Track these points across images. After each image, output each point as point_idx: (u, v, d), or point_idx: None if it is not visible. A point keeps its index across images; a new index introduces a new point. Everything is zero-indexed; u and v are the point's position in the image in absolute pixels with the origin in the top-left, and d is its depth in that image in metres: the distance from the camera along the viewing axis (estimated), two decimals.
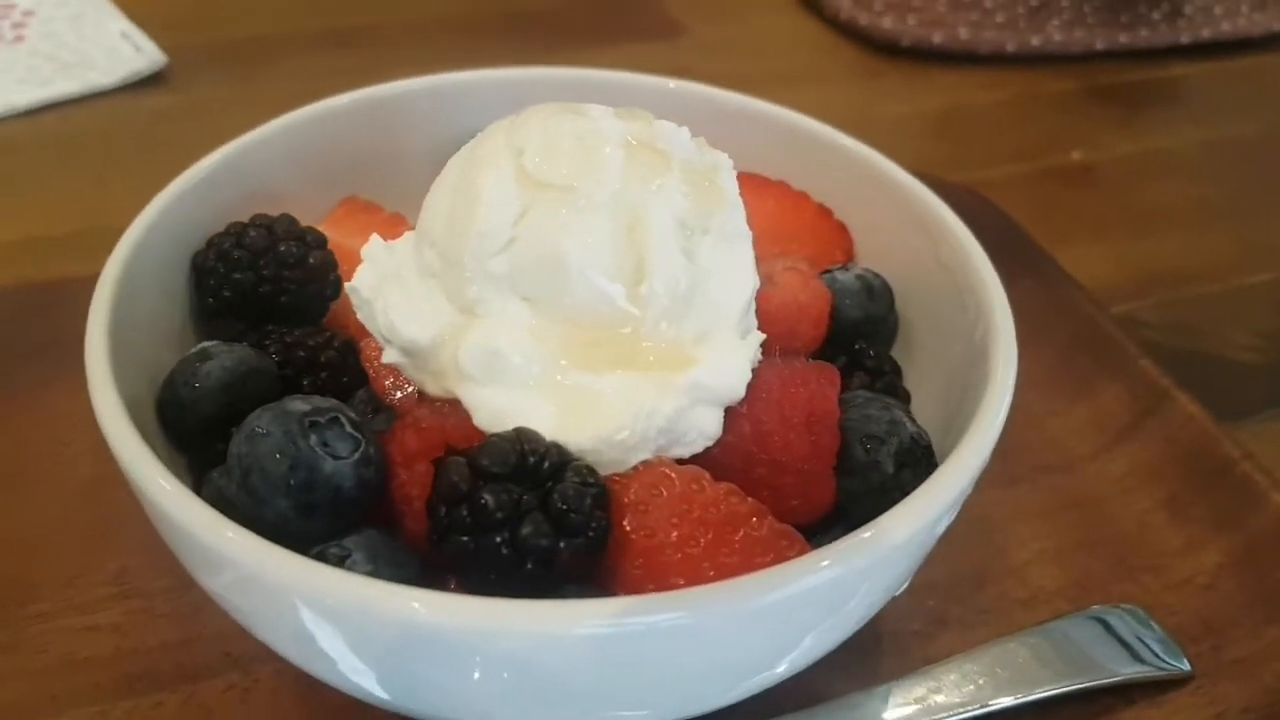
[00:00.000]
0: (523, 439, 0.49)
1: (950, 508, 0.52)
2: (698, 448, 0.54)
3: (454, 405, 0.54)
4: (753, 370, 0.55)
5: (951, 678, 0.63)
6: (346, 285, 0.59)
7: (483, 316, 0.54)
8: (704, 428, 0.53)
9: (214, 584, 0.51)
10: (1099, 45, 1.41)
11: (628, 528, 0.50)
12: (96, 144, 1.12)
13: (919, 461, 0.57)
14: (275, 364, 0.61)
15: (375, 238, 0.60)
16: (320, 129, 0.74)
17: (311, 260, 0.66)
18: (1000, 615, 0.69)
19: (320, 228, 0.69)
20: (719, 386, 0.53)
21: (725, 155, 0.58)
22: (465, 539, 0.48)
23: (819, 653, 0.54)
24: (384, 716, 0.57)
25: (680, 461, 0.53)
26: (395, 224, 0.72)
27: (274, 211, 0.68)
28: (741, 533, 0.50)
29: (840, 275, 0.68)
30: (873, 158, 0.72)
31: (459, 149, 0.59)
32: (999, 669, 0.63)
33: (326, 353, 0.62)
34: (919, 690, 0.62)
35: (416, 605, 0.44)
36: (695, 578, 0.48)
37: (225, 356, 0.59)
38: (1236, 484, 0.76)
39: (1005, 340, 0.59)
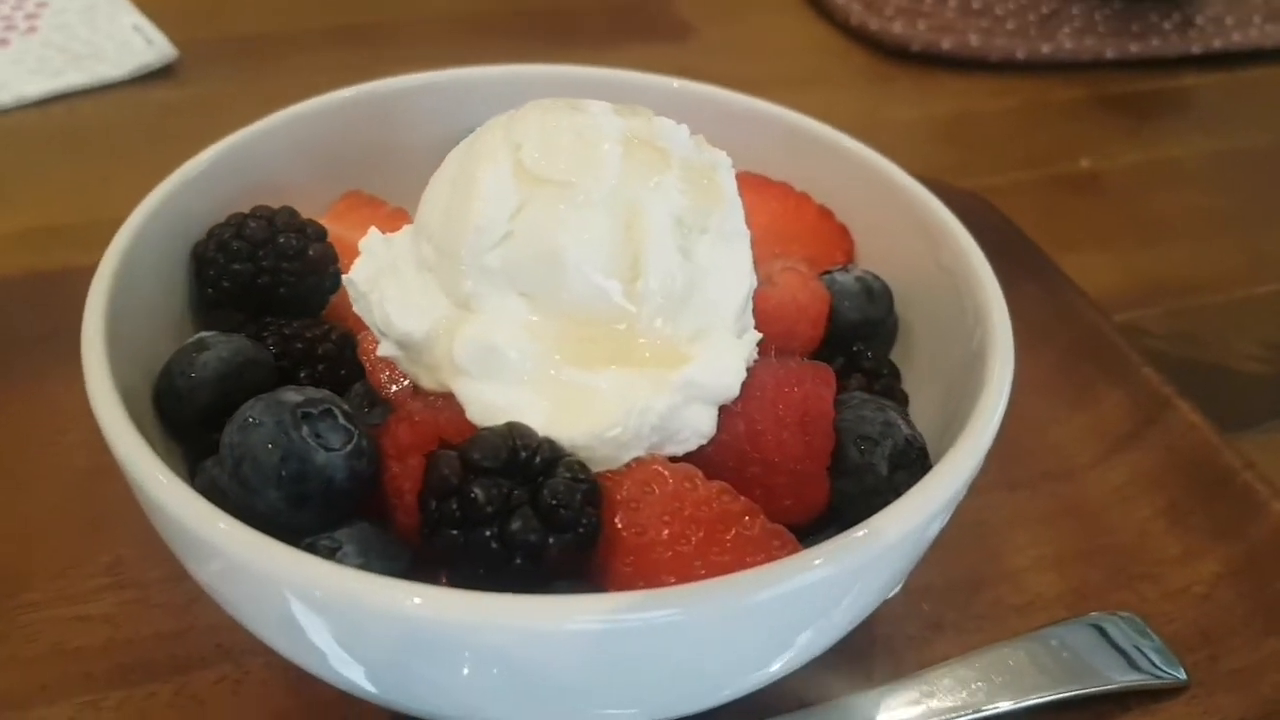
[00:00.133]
0: (515, 434, 0.49)
1: (944, 509, 0.52)
2: (691, 446, 0.54)
3: (448, 399, 0.54)
4: (748, 369, 0.55)
5: (946, 682, 0.63)
6: (344, 278, 0.59)
7: (478, 311, 0.53)
8: (698, 426, 0.53)
9: (205, 574, 0.51)
10: (1110, 54, 1.40)
11: (619, 525, 0.50)
12: (104, 136, 1.12)
13: (913, 463, 0.56)
14: (272, 355, 0.61)
15: (373, 230, 0.59)
16: (324, 122, 0.74)
17: (311, 253, 0.66)
18: (996, 621, 0.68)
19: (321, 221, 0.69)
20: (713, 385, 0.53)
21: (724, 154, 0.58)
22: (455, 533, 0.48)
23: (811, 653, 0.54)
24: (374, 710, 0.58)
25: (673, 459, 0.53)
26: (397, 219, 0.72)
27: (276, 204, 0.68)
28: (733, 532, 0.50)
29: (840, 277, 0.68)
30: (875, 160, 0.72)
31: None
32: (994, 674, 0.63)
33: (324, 345, 0.62)
34: (912, 694, 0.62)
35: (406, 599, 0.44)
36: (686, 576, 0.48)
37: (222, 347, 0.59)
38: (1237, 494, 0.76)
39: (1002, 344, 0.58)
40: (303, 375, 0.61)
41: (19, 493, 0.71)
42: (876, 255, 0.73)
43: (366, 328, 0.59)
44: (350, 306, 0.59)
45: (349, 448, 0.51)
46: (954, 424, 0.57)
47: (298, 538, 0.49)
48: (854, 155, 0.73)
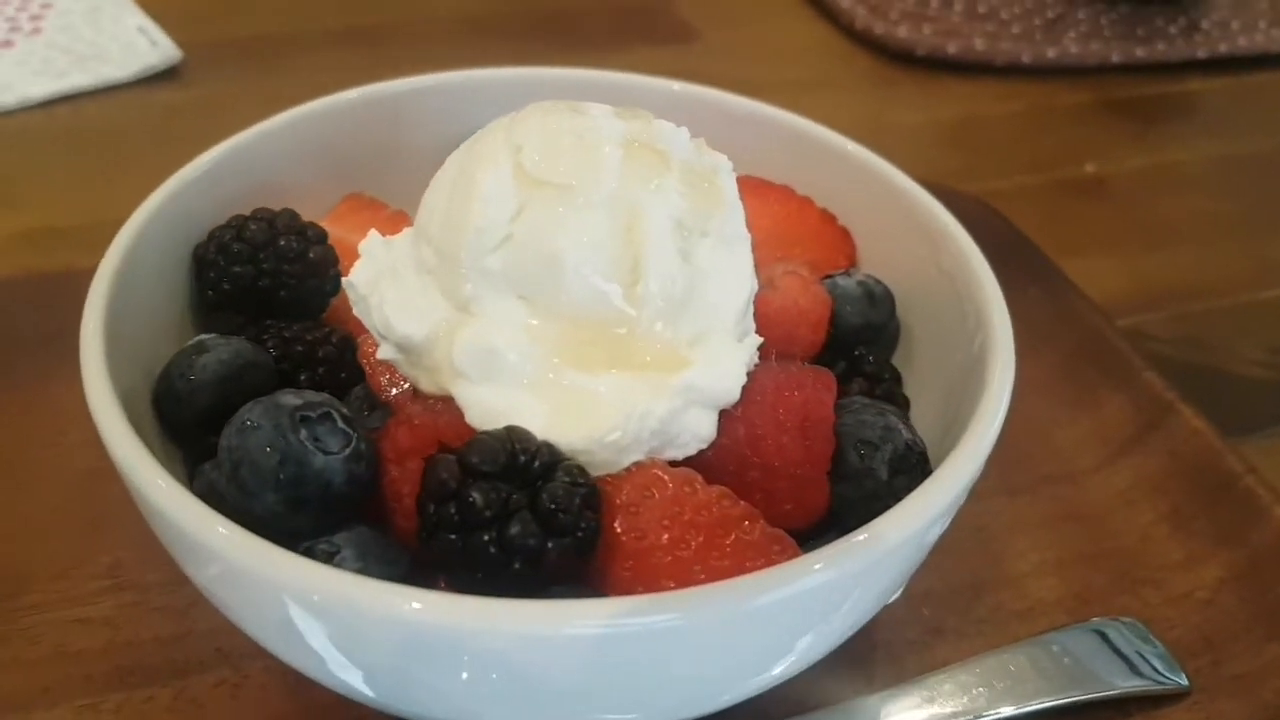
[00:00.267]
0: (513, 437, 0.49)
1: (944, 514, 0.51)
2: (691, 450, 0.53)
3: (447, 402, 0.54)
4: (749, 374, 0.55)
5: (947, 688, 0.62)
6: (343, 280, 0.59)
7: (478, 314, 0.53)
8: (698, 430, 0.53)
9: (203, 578, 0.51)
10: (1115, 58, 1.40)
11: (618, 529, 0.50)
12: (108, 137, 1.12)
13: (913, 468, 0.56)
14: (272, 358, 0.61)
15: (373, 233, 0.59)
16: (326, 124, 0.74)
17: (311, 255, 0.66)
18: (997, 626, 0.68)
19: (322, 223, 0.69)
20: (713, 389, 0.53)
21: (724, 157, 0.58)
22: (453, 537, 0.48)
23: (811, 658, 0.54)
24: (373, 714, 0.57)
25: (673, 464, 0.53)
26: (398, 221, 0.72)
27: (278, 205, 0.68)
28: (733, 536, 0.50)
29: (842, 281, 0.68)
30: (877, 164, 0.72)
31: None
32: (995, 680, 0.63)
33: (324, 348, 0.62)
34: (913, 699, 0.62)
35: (405, 604, 0.44)
36: (685, 580, 0.48)
37: (222, 349, 0.59)
38: (1239, 499, 0.76)
39: (1003, 348, 0.58)
40: (303, 378, 0.61)
41: (20, 493, 0.72)
42: (879, 259, 0.73)
43: (366, 330, 0.59)
44: (351, 309, 0.59)
45: (347, 451, 0.51)
46: (955, 428, 0.57)
47: (296, 541, 0.49)
48: (856, 159, 0.73)
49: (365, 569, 0.49)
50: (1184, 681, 0.65)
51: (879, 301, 0.68)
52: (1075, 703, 0.62)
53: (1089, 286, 0.95)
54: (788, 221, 0.72)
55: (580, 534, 0.48)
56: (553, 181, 0.53)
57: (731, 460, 0.54)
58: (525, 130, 0.55)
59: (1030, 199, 1.14)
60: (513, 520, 0.48)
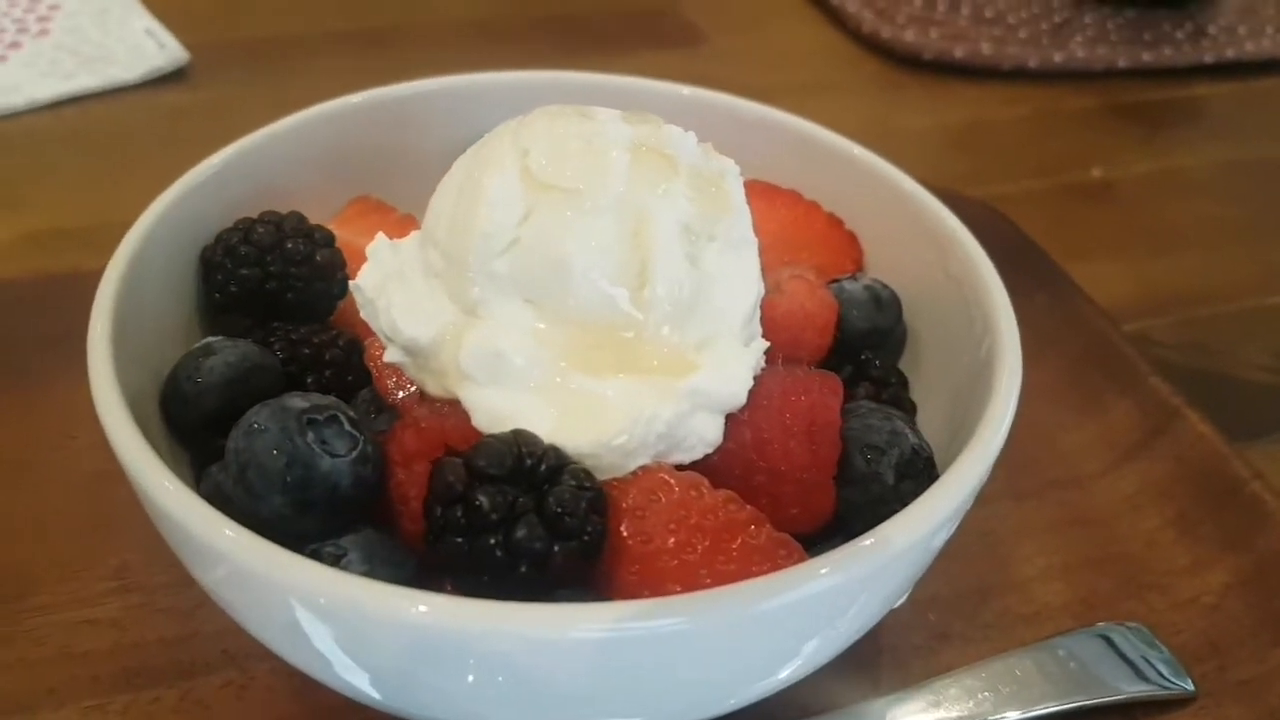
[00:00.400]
0: (520, 441, 0.49)
1: (951, 519, 0.51)
2: (698, 454, 0.53)
3: (454, 406, 0.54)
4: (755, 378, 0.55)
5: (953, 692, 0.62)
6: (351, 283, 0.59)
7: (485, 317, 0.53)
8: (704, 434, 0.53)
9: (209, 580, 0.51)
10: (1122, 63, 1.40)
11: (624, 533, 0.50)
12: (115, 139, 1.13)
13: (920, 473, 0.56)
14: (279, 361, 0.61)
15: (381, 236, 0.59)
16: (334, 127, 0.75)
17: (319, 258, 0.66)
18: (1003, 631, 0.68)
19: (330, 226, 0.69)
20: (720, 393, 0.53)
21: (732, 161, 0.58)
22: (459, 540, 0.48)
23: (817, 662, 0.54)
24: (379, 717, 0.57)
25: (680, 468, 0.53)
26: (405, 225, 0.72)
27: (285, 209, 0.68)
28: (739, 540, 0.50)
29: (848, 285, 0.68)
30: (884, 169, 0.72)
31: None
32: (1001, 684, 0.63)
33: (331, 351, 0.62)
34: (919, 704, 0.62)
35: (411, 606, 0.44)
36: (691, 585, 0.48)
37: (229, 352, 0.59)
38: (1246, 504, 0.76)
39: (1010, 352, 0.58)
40: (310, 381, 0.61)
41: (27, 495, 0.72)
42: (886, 264, 0.73)
43: (374, 333, 0.59)
44: (358, 312, 0.60)
45: (354, 454, 0.51)
46: (961, 433, 0.57)
47: (302, 544, 0.49)
48: (863, 163, 0.73)
49: (371, 572, 0.49)
50: (1190, 687, 0.65)
51: (886, 306, 0.68)
52: (1081, 708, 0.62)
53: (1095, 291, 0.95)
54: (795, 226, 0.72)
55: (586, 537, 0.49)
56: (560, 185, 0.53)
57: (738, 464, 0.54)
58: (532, 134, 0.55)
59: (1037, 204, 1.14)
60: (519, 523, 0.48)
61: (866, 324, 0.67)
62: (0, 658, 0.62)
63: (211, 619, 0.64)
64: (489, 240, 0.53)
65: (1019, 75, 1.38)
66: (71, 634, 0.64)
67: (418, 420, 0.54)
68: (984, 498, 0.55)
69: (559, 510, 0.48)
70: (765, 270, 0.59)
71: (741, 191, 0.58)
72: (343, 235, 0.69)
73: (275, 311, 0.65)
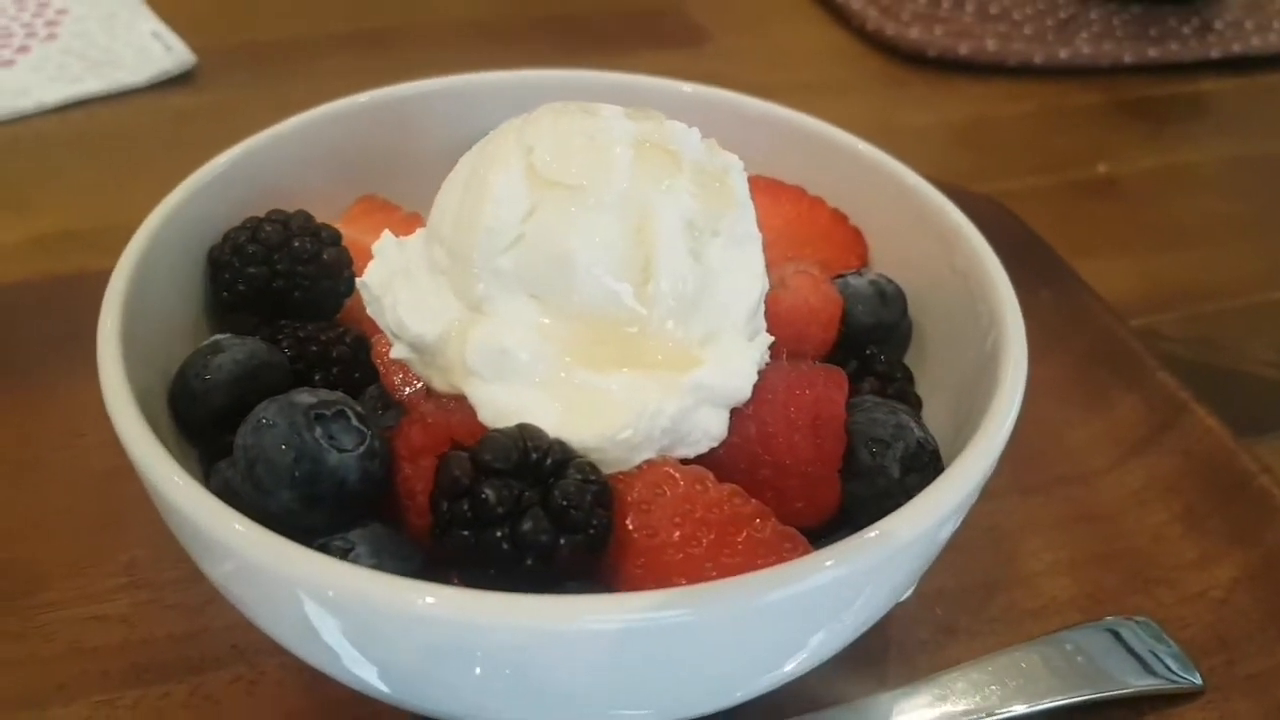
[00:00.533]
0: (525, 435, 0.50)
1: (956, 512, 0.51)
2: (702, 448, 0.54)
3: (460, 401, 0.54)
4: (760, 372, 0.55)
5: (959, 686, 0.62)
6: (357, 280, 0.59)
7: (490, 313, 0.54)
8: (709, 428, 0.53)
9: (219, 574, 0.51)
10: (1128, 59, 1.40)
11: (630, 526, 0.50)
12: (122, 142, 1.13)
13: (925, 466, 0.56)
14: (287, 358, 0.61)
15: (387, 233, 0.60)
16: (339, 127, 0.75)
17: (325, 256, 0.66)
18: (1010, 625, 0.68)
19: (337, 225, 0.70)
20: (724, 387, 0.53)
21: (735, 157, 0.58)
22: (466, 533, 0.48)
23: (823, 656, 0.54)
24: (387, 710, 0.58)
25: (685, 462, 0.53)
26: (411, 223, 0.72)
27: (292, 208, 0.68)
28: (744, 534, 0.50)
29: (853, 280, 0.68)
30: (889, 164, 0.72)
31: None
32: (1008, 678, 0.63)
33: (338, 348, 0.62)
34: (926, 698, 0.62)
35: (419, 599, 0.44)
36: (697, 578, 0.48)
37: (237, 349, 0.59)
38: (1253, 498, 0.76)
39: (1016, 346, 0.58)
40: (317, 378, 0.61)
41: (37, 493, 0.72)
42: (891, 259, 0.73)
43: (380, 331, 0.59)
44: (365, 310, 0.60)
45: (361, 449, 0.51)
46: (967, 427, 0.57)
47: (311, 538, 0.49)
48: (867, 159, 0.73)
49: (379, 565, 0.49)
50: (1198, 681, 0.65)
51: (891, 300, 0.68)
52: (1088, 701, 0.62)
53: (1101, 287, 0.95)
54: (799, 221, 0.73)
55: (592, 531, 0.49)
56: (564, 182, 0.53)
57: (743, 458, 0.54)
58: (537, 131, 0.55)
59: (1042, 200, 1.14)
60: (525, 517, 0.48)
61: (871, 319, 0.67)
62: (10, 654, 0.63)
63: (220, 614, 0.64)
64: (494, 237, 0.53)
65: (1024, 72, 1.38)
66: (81, 630, 0.64)
67: (424, 415, 0.54)
68: (990, 493, 0.55)
69: (565, 503, 0.48)
70: (770, 266, 0.59)
71: (745, 187, 0.58)
72: (349, 234, 0.69)
73: (283, 310, 0.66)
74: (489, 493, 0.48)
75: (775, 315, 0.59)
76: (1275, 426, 0.87)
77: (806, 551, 0.50)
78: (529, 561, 0.48)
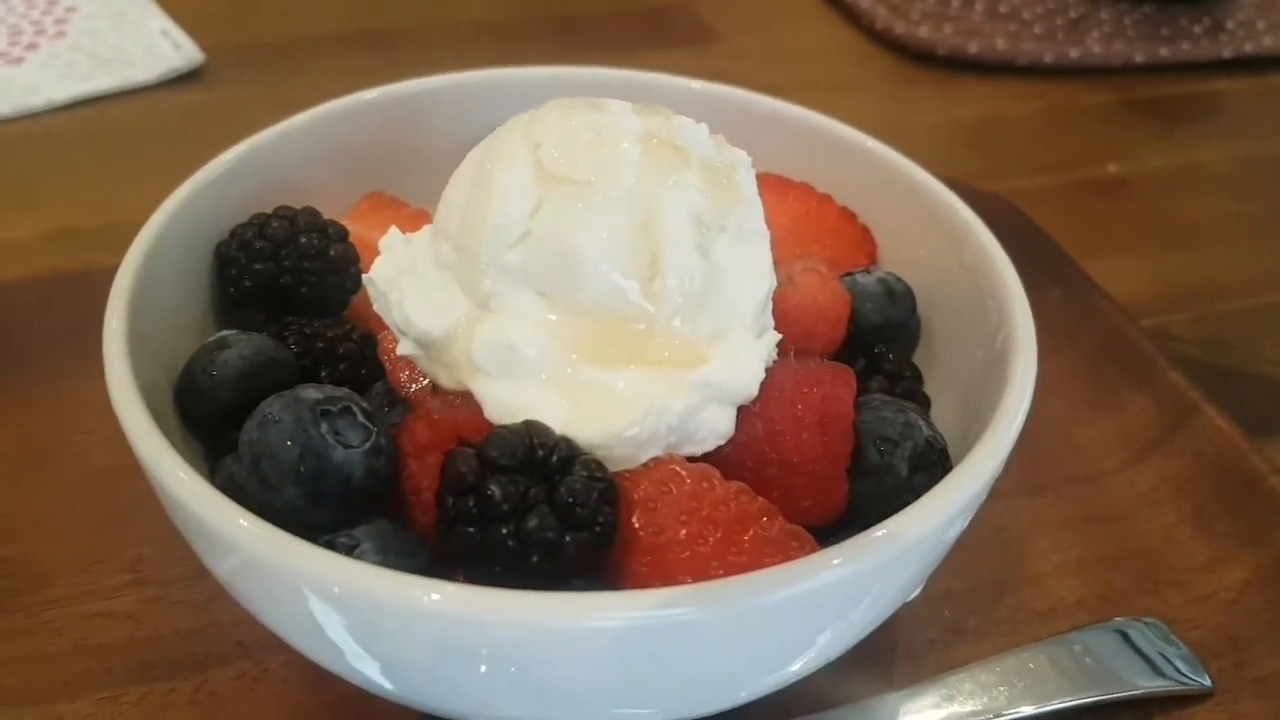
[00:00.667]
0: (531, 432, 0.49)
1: (964, 511, 0.51)
2: (709, 446, 0.53)
3: (466, 398, 0.54)
4: (767, 370, 0.55)
5: (967, 687, 0.62)
6: (364, 277, 0.59)
7: (497, 310, 0.53)
8: (716, 426, 0.53)
9: (223, 570, 0.51)
10: (1139, 58, 1.39)
11: (636, 524, 0.50)
12: (130, 139, 1.13)
13: (934, 465, 0.56)
14: (293, 354, 0.61)
15: (393, 229, 0.60)
16: (347, 123, 0.75)
17: (332, 253, 0.66)
18: (1019, 626, 0.68)
19: (344, 221, 0.69)
20: (731, 385, 0.53)
21: (743, 153, 0.58)
22: (471, 530, 0.48)
23: (830, 655, 0.53)
24: (392, 708, 0.57)
25: (691, 459, 0.53)
26: (419, 219, 0.72)
27: (300, 204, 0.68)
28: (751, 532, 0.50)
29: (862, 278, 0.68)
30: (898, 161, 0.72)
31: None
32: (1016, 679, 0.63)
33: (345, 345, 0.62)
34: (933, 698, 0.61)
35: (424, 595, 0.44)
36: (703, 576, 0.48)
37: (243, 345, 0.59)
38: (1264, 499, 0.75)
39: (1025, 344, 0.58)
40: (324, 374, 0.61)
41: (43, 489, 0.72)
42: (900, 257, 0.72)
43: (387, 327, 0.59)
44: (372, 306, 0.60)
45: (367, 445, 0.51)
46: (976, 426, 0.56)
47: (316, 535, 0.49)
48: (876, 156, 0.73)
49: (385, 562, 0.49)
50: (1207, 682, 0.64)
51: (899, 299, 0.68)
52: (1096, 702, 0.62)
53: (1111, 286, 0.95)
54: (807, 219, 0.72)
55: (598, 528, 0.49)
56: (571, 178, 0.53)
57: (750, 456, 0.54)
58: (544, 127, 0.55)
59: (1052, 199, 1.14)
60: (531, 514, 0.48)
61: (880, 317, 0.67)
62: (16, 650, 0.63)
63: (226, 611, 0.64)
64: (501, 233, 0.53)
65: (1034, 71, 1.38)
66: (86, 626, 0.64)
67: (430, 412, 0.54)
68: (999, 493, 0.55)
69: (570, 501, 0.48)
70: (778, 263, 0.59)
71: (753, 183, 0.58)
72: (356, 230, 0.69)
73: (289, 306, 0.66)
74: (495, 489, 0.48)
75: (783, 313, 0.59)
76: None
77: (813, 550, 0.50)
78: (534, 558, 0.48)
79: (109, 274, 0.59)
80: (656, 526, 0.50)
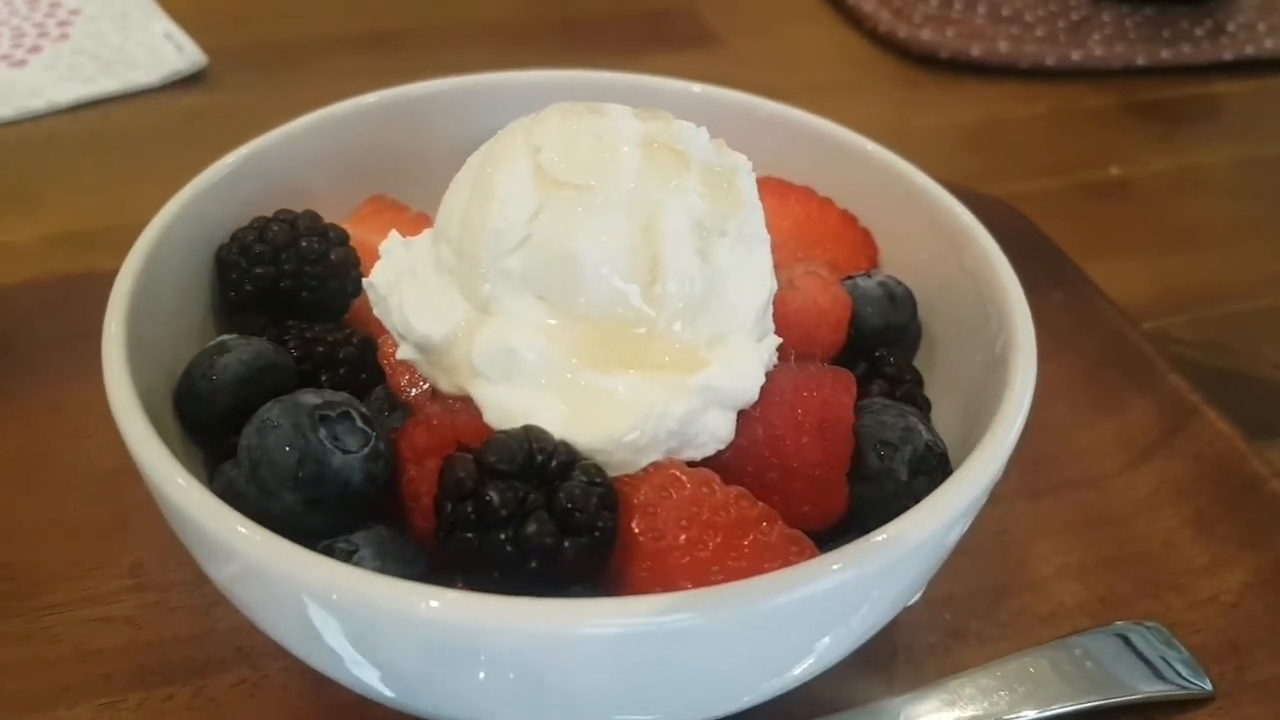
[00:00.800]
0: (531, 437, 0.49)
1: (964, 515, 0.51)
2: (709, 450, 0.53)
3: (466, 403, 0.54)
4: (768, 374, 0.55)
5: (968, 691, 0.62)
6: (364, 281, 0.59)
7: (497, 314, 0.53)
8: (716, 430, 0.53)
9: (222, 576, 0.51)
10: (1140, 61, 1.39)
11: (636, 529, 0.50)
12: (133, 141, 1.13)
13: (934, 469, 0.56)
14: (293, 359, 0.61)
15: (394, 233, 0.60)
16: (348, 127, 0.75)
17: (333, 256, 0.66)
18: (1020, 630, 0.68)
19: (345, 225, 0.69)
20: (732, 389, 0.53)
21: (744, 157, 0.58)
22: (470, 536, 0.48)
23: (830, 660, 0.53)
24: (392, 715, 0.57)
25: (691, 464, 0.53)
26: (420, 223, 0.72)
27: (301, 208, 0.68)
28: (751, 537, 0.50)
29: (862, 282, 0.68)
30: (899, 165, 0.72)
31: None
32: (1017, 683, 0.62)
33: (345, 349, 0.62)
34: (933, 703, 0.61)
35: (422, 602, 0.44)
36: (703, 581, 0.48)
37: (243, 350, 0.59)
38: (1265, 502, 0.75)
39: (1025, 348, 0.58)
40: (323, 379, 0.61)
41: (43, 494, 0.72)
42: (900, 260, 0.72)
43: (387, 331, 0.59)
44: (372, 311, 0.60)
45: (366, 450, 0.51)
46: (976, 430, 0.56)
47: (315, 540, 0.49)
48: (877, 160, 0.73)
49: (383, 568, 0.49)
50: (1208, 687, 0.64)
51: (900, 302, 0.68)
52: (1097, 707, 0.62)
53: (1112, 289, 0.94)
54: (808, 222, 0.72)
55: (597, 533, 0.48)
56: (571, 182, 0.53)
57: (750, 461, 0.54)
58: (544, 131, 0.55)
59: (1054, 202, 1.14)
60: (529, 519, 0.48)
61: (880, 321, 0.67)
62: (15, 656, 0.63)
63: (225, 617, 0.64)
64: (501, 237, 0.53)
65: (1036, 74, 1.37)
66: (86, 632, 0.64)
67: (430, 417, 0.54)
68: (1000, 496, 0.55)
69: (569, 506, 0.48)
70: (779, 267, 0.59)
71: (754, 187, 0.58)
72: (357, 234, 0.69)
73: (290, 310, 0.66)
74: (493, 495, 0.48)
75: (784, 317, 0.59)
76: None
77: (813, 555, 0.50)
78: (533, 564, 0.48)
79: (111, 277, 0.59)
80: (656, 531, 0.50)
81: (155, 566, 0.67)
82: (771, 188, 0.69)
